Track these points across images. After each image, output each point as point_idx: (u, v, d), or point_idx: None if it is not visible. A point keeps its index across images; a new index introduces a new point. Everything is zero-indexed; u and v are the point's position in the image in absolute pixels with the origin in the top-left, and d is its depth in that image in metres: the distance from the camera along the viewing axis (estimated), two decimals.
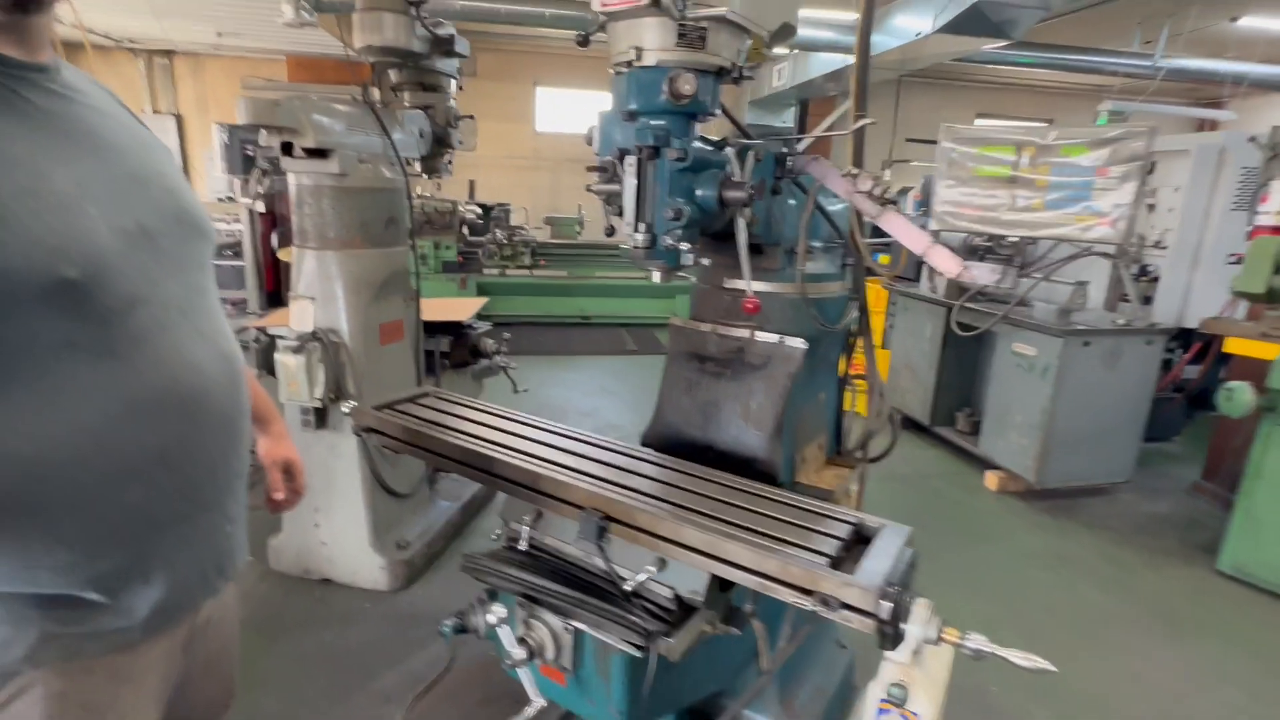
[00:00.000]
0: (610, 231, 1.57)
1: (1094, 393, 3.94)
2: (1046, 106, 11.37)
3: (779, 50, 8.31)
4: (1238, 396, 3.11)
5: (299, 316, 2.76)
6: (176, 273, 0.97)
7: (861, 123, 1.70)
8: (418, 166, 3.49)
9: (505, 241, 8.09)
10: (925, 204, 7.49)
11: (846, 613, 1.07)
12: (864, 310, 2.07)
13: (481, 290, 8.32)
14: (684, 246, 1.40)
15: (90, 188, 0.86)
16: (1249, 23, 7.11)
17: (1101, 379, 3.93)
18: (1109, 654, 2.79)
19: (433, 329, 3.52)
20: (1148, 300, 4.99)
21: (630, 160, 1.40)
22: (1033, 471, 4.04)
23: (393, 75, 3.32)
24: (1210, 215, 4.89)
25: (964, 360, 4.81)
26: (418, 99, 3.35)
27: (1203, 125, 11.34)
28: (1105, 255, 3.70)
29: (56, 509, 0.84)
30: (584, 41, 1.45)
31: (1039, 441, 3.97)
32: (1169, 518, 4.07)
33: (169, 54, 9.86)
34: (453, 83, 3.47)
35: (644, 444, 2.05)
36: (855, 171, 1.57)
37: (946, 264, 1.50)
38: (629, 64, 1.34)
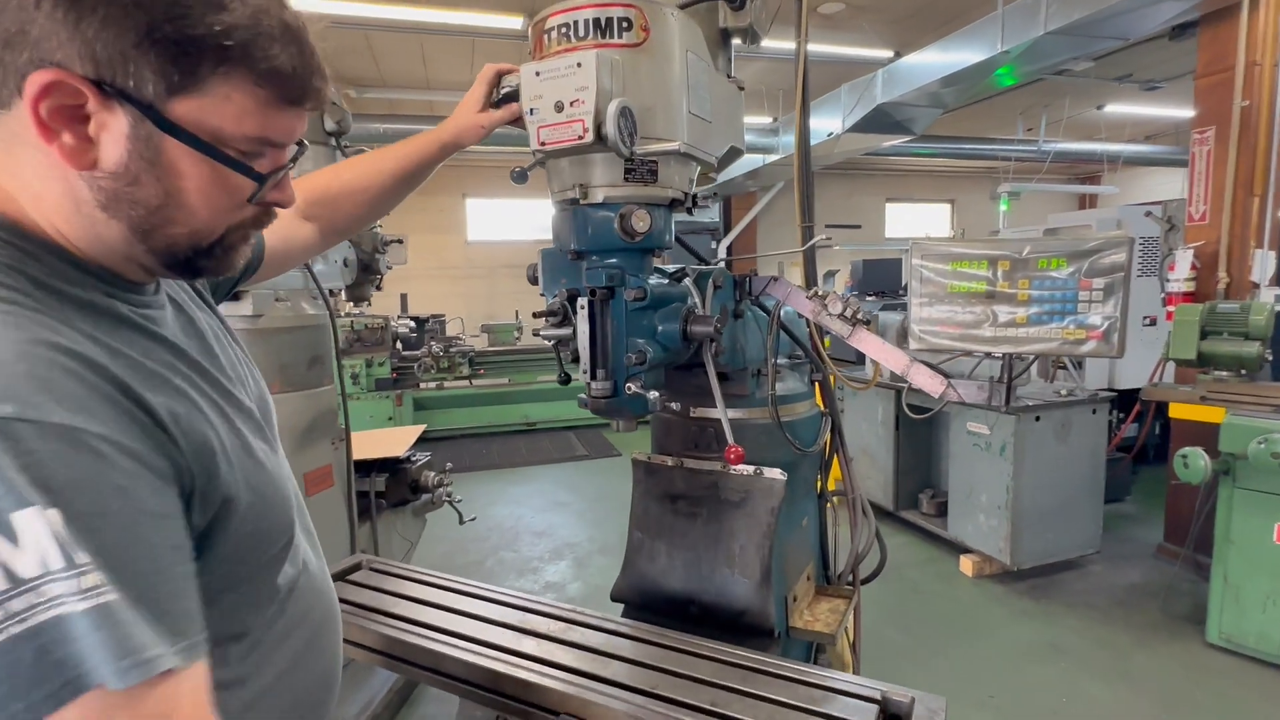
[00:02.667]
0: (565, 380, 1.40)
1: (1052, 467, 3.93)
2: (948, 188, 12.28)
3: None
4: (1193, 463, 3.12)
5: None
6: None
7: (815, 240, 1.63)
8: (344, 295, 3.30)
9: (442, 353, 7.84)
10: (856, 288, 7.79)
11: None
12: (837, 425, 1.95)
13: (419, 405, 7.97)
14: (651, 395, 1.24)
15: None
16: (1114, 109, 7.96)
17: (1056, 452, 3.95)
18: None
19: (366, 467, 3.21)
20: (1079, 365, 5.16)
21: (583, 303, 1.25)
22: (1007, 553, 3.94)
23: None
24: None
25: (920, 441, 4.79)
26: None
27: (1084, 199, 12.45)
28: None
29: None
30: (521, 178, 1.33)
31: (1008, 521, 3.90)
32: (1144, 587, 4.01)
33: None
34: None
35: (615, 598, 1.82)
36: (823, 293, 1.47)
37: (929, 383, 1.40)
38: (574, 201, 1.22)
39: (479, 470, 6.88)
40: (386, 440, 3.55)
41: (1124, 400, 5.03)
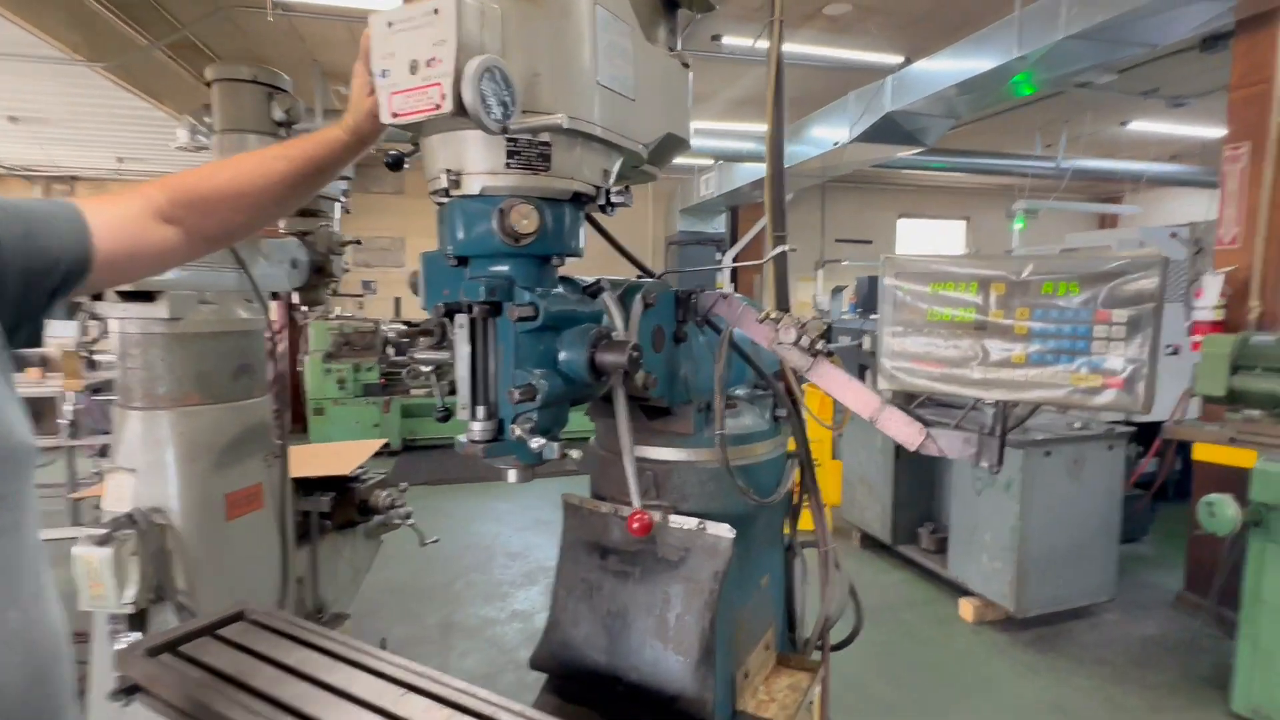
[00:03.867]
0: (444, 416, 1.14)
1: (1063, 506, 3.62)
2: (963, 205, 11.93)
3: (703, 160, 8.45)
4: (1220, 512, 2.80)
5: (114, 495, 2.19)
6: None
7: (779, 249, 1.36)
8: (295, 299, 3.07)
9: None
10: (859, 305, 7.48)
11: None
12: (808, 467, 1.67)
13: (407, 413, 7.75)
14: (538, 441, 0.97)
15: None
16: (1138, 126, 7.62)
17: (1068, 490, 3.63)
18: None
19: (311, 485, 2.96)
20: None
21: (461, 320, 0.99)
22: (1011, 599, 3.62)
23: None
24: None
25: (921, 471, 4.48)
26: (293, 225, 2.97)
27: (1104, 219, 12.06)
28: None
29: None
30: (396, 164, 1.07)
31: (1013, 564, 3.58)
32: (1162, 641, 3.67)
33: (72, 179, 9.42)
34: (337, 206, 3.10)
35: (535, 667, 1.55)
36: (775, 315, 1.20)
37: (904, 433, 1.12)
38: (445, 192, 0.96)
39: (464, 483, 6.63)
40: (338, 456, 3.30)
41: (1144, 433, 4.69)
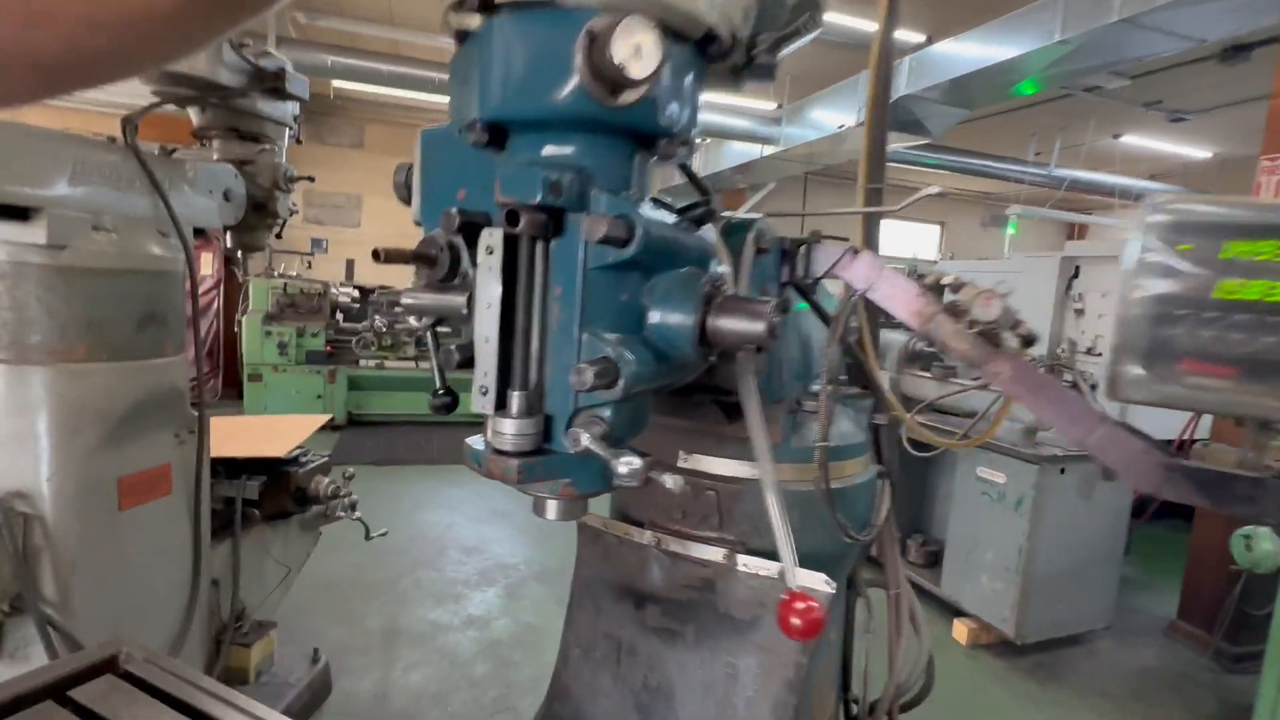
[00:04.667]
0: (448, 403, 0.71)
1: (1071, 527, 3.39)
2: (939, 210, 11.84)
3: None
4: (1260, 547, 2.57)
5: None
6: None
7: (929, 190, 0.98)
8: (226, 238, 2.54)
9: (385, 329, 7.01)
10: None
11: None
12: (893, 488, 1.29)
13: (354, 385, 7.14)
14: (626, 462, 0.55)
15: None
16: (1131, 140, 7.55)
17: (1077, 510, 3.40)
18: None
19: (237, 468, 2.45)
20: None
21: (492, 241, 0.56)
22: (1011, 624, 3.37)
23: (194, 116, 2.40)
24: None
25: (913, 478, 4.21)
26: (229, 150, 2.43)
27: (1072, 230, 12.18)
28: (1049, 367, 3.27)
29: None
30: None
31: (1017, 587, 3.33)
32: (1159, 674, 3.49)
33: None
34: (286, 133, 2.57)
35: None
36: (955, 282, 0.80)
37: (1136, 469, 0.75)
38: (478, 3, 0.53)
39: (414, 465, 6.10)
40: (273, 432, 2.78)
41: None
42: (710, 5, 0.57)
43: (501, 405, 0.57)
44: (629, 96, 0.52)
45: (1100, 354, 4.84)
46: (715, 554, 1.05)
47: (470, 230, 0.59)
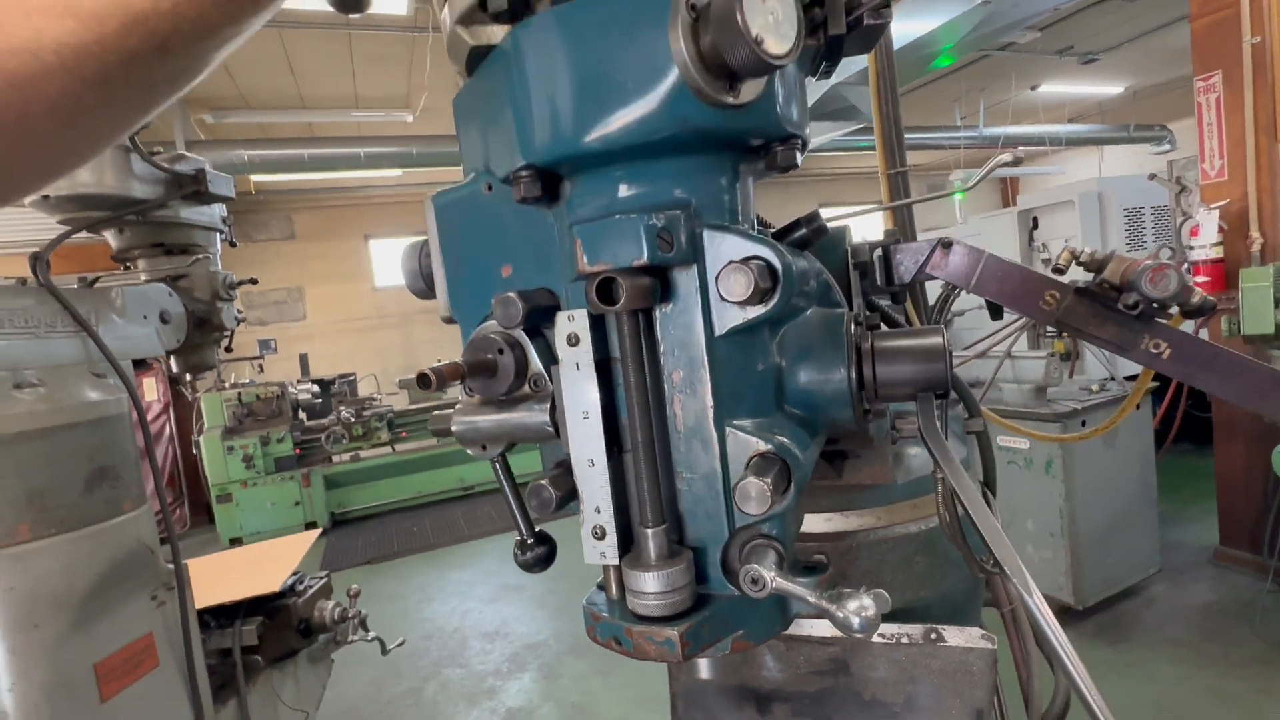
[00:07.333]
0: (544, 556, 0.53)
1: (1103, 479, 3.30)
2: (879, 190, 12.06)
3: None
4: None
5: None
6: None
7: (921, 198, 0.84)
8: (172, 363, 2.30)
9: (354, 418, 6.69)
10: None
11: None
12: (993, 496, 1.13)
13: (331, 483, 6.78)
14: (860, 605, 0.38)
15: None
16: (1048, 89, 7.77)
17: (1106, 461, 3.32)
18: None
19: (228, 613, 2.18)
20: (1076, 357, 4.64)
21: (576, 328, 0.39)
22: (1069, 590, 3.26)
23: (111, 239, 2.18)
24: None
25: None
26: (158, 268, 2.21)
27: (1005, 192, 12.52)
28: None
29: None
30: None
31: (1066, 551, 3.22)
32: (1221, 607, 3.40)
33: None
34: (217, 238, 2.36)
35: None
36: (1087, 257, 0.66)
37: None
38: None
39: (410, 555, 5.76)
40: (260, 564, 2.51)
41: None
42: None
43: (643, 554, 0.40)
44: (750, 91, 0.36)
45: None
46: (875, 601, 0.88)
47: (536, 317, 0.43)
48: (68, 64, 0.46)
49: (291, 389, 6.80)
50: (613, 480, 0.41)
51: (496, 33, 0.40)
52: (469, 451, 0.47)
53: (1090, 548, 3.26)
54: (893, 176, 1.15)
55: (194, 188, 2.16)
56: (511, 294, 0.41)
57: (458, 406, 0.46)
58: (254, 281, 2.48)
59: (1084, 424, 3.24)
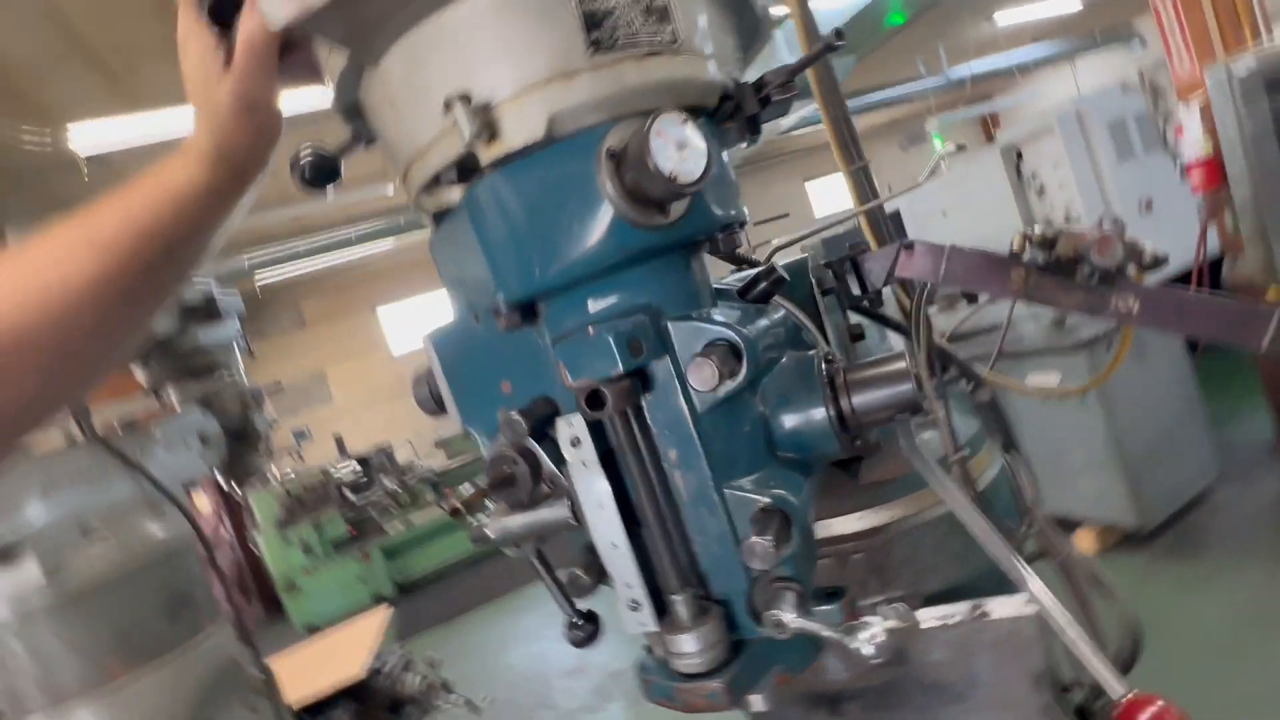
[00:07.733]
0: (589, 636, 0.58)
1: (1144, 394, 3.27)
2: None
3: None
4: None
5: None
6: None
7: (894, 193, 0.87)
8: (221, 480, 2.40)
9: (398, 488, 6.82)
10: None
11: None
12: (1018, 450, 1.16)
13: (389, 554, 6.90)
14: (875, 632, 0.43)
15: None
16: (1005, 16, 7.70)
17: (1141, 378, 3.29)
18: None
19: (320, 707, 2.27)
20: None
21: (576, 432, 0.44)
22: (1134, 513, 3.23)
23: (139, 374, 2.29)
24: (1102, 175, 4.68)
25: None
26: (189, 393, 2.31)
27: (987, 127, 12.38)
28: None
29: None
30: (322, 171, 0.53)
31: (1122, 477, 3.19)
32: None
33: None
34: (236, 352, 2.46)
35: None
36: (1038, 234, 0.70)
37: None
38: (458, 170, 0.42)
39: (478, 607, 5.85)
40: (340, 650, 2.59)
41: None
42: (718, 62, 0.47)
43: (677, 618, 0.45)
44: (679, 207, 0.42)
45: (1077, 217, 4.79)
46: (889, 620, 0.91)
47: (540, 425, 0.48)
48: (100, 287, 0.52)
49: (333, 470, 6.95)
50: (637, 556, 0.46)
51: (455, 193, 0.46)
52: (507, 552, 0.53)
53: (1144, 467, 3.23)
54: (855, 172, 1.19)
55: (205, 311, 2.27)
56: (514, 414, 0.46)
57: (489, 514, 0.52)
58: (279, 384, 2.58)
59: (1109, 347, 3.21)
